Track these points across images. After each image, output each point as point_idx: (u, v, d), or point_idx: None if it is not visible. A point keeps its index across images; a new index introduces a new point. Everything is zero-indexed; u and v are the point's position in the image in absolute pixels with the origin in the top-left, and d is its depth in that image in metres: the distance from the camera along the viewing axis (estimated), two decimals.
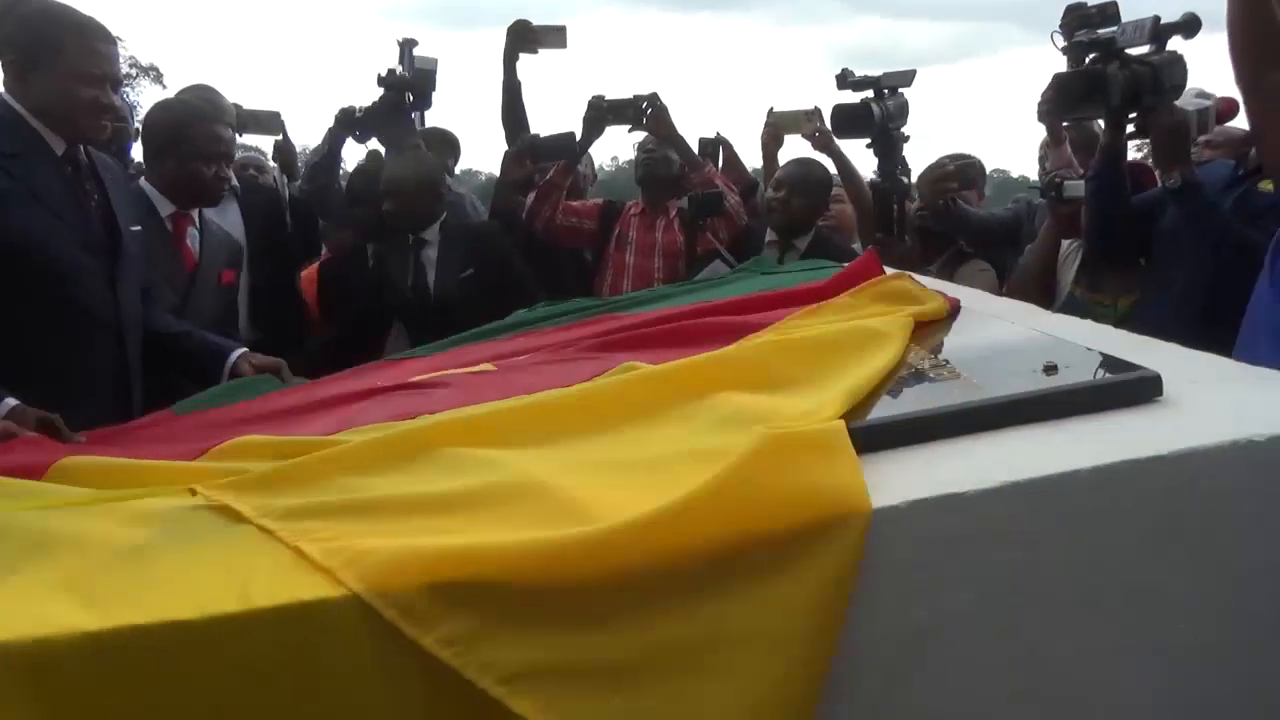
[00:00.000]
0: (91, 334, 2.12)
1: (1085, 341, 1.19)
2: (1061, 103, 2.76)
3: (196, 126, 2.63)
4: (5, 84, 2.11)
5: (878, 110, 3.13)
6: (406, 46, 4.56)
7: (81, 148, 2.18)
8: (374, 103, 3.54)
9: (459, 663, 0.76)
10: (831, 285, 1.93)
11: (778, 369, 1.25)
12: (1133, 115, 2.59)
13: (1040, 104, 3.09)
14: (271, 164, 4.06)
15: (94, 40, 2.09)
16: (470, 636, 0.77)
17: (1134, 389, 0.96)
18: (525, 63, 3.86)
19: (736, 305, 1.99)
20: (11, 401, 1.83)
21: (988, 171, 4.26)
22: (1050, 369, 1.04)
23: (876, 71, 3.23)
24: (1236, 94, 2.31)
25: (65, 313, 2.07)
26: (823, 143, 3.53)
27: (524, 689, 0.76)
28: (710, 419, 1.12)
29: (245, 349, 2.28)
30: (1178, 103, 2.57)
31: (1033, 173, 3.83)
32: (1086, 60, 2.60)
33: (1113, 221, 2.71)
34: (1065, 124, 3.35)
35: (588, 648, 0.79)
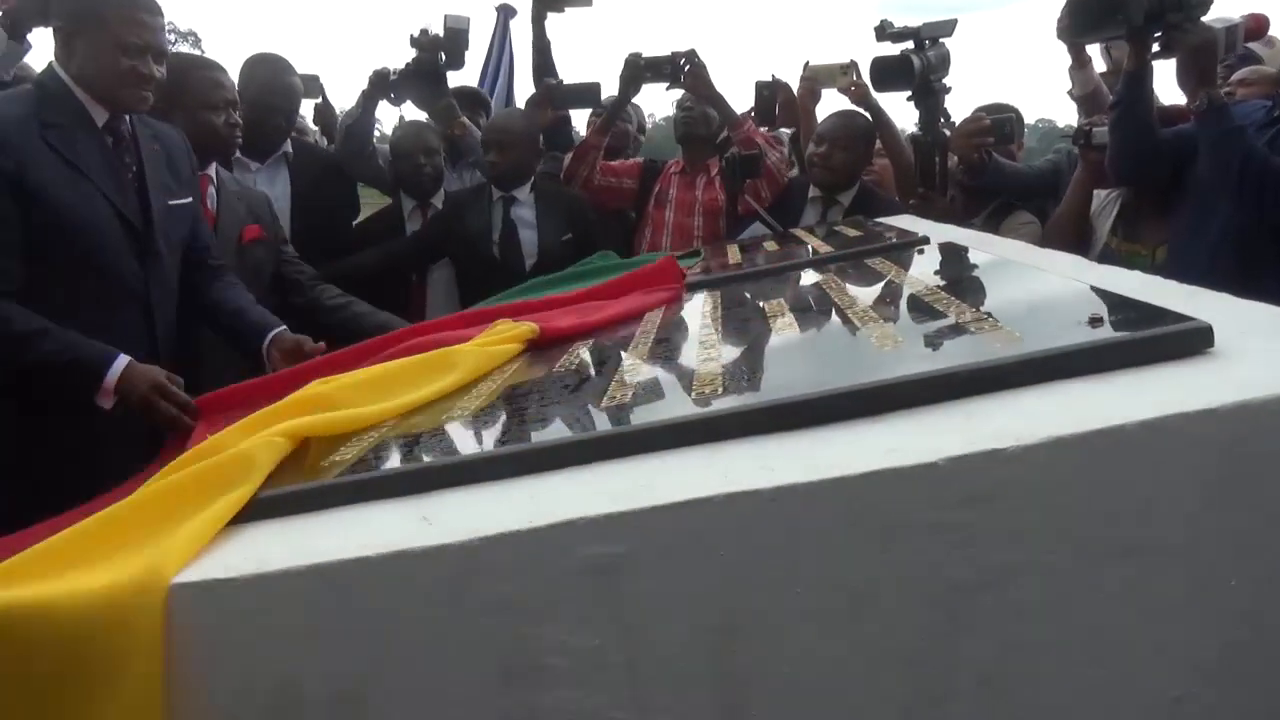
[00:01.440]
0: (119, 304, 2.15)
1: (1132, 292, 1.16)
2: (1079, 23, 2.63)
3: (194, 75, 2.61)
4: (55, 52, 2.15)
5: (918, 62, 3.05)
6: (503, 12, 4.59)
7: (128, 119, 2.19)
8: (407, 64, 3.53)
9: None
10: (617, 285, 2.10)
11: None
12: (1157, 35, 2.47)
13: (1059, 22, 2.98)
14: (313, 126, 4.09)
15: (136, 10, 2.10)
16: None
17: (1184, 340, 0.93)
18: (560, 21, 3.84)
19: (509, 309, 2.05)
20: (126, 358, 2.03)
21: (1033, 121, 4.16)
22: (1096, 321, 1.02)
23: (917, 21, 3.16)
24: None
25: (93, 280, 2.11)
26: (859, 96, 3.46)
27: None
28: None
29: (280, 329, 2.31)
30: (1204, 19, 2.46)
31: (1077, 122, 3.71)
32: None
33: (1138, 152, 2.60)
34: (1108, 46, 3.22)
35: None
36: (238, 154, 3.13)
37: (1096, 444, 0.79)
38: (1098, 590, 0.80)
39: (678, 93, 3.64)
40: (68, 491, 1.66)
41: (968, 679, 0.82)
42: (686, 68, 3.46)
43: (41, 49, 3.08)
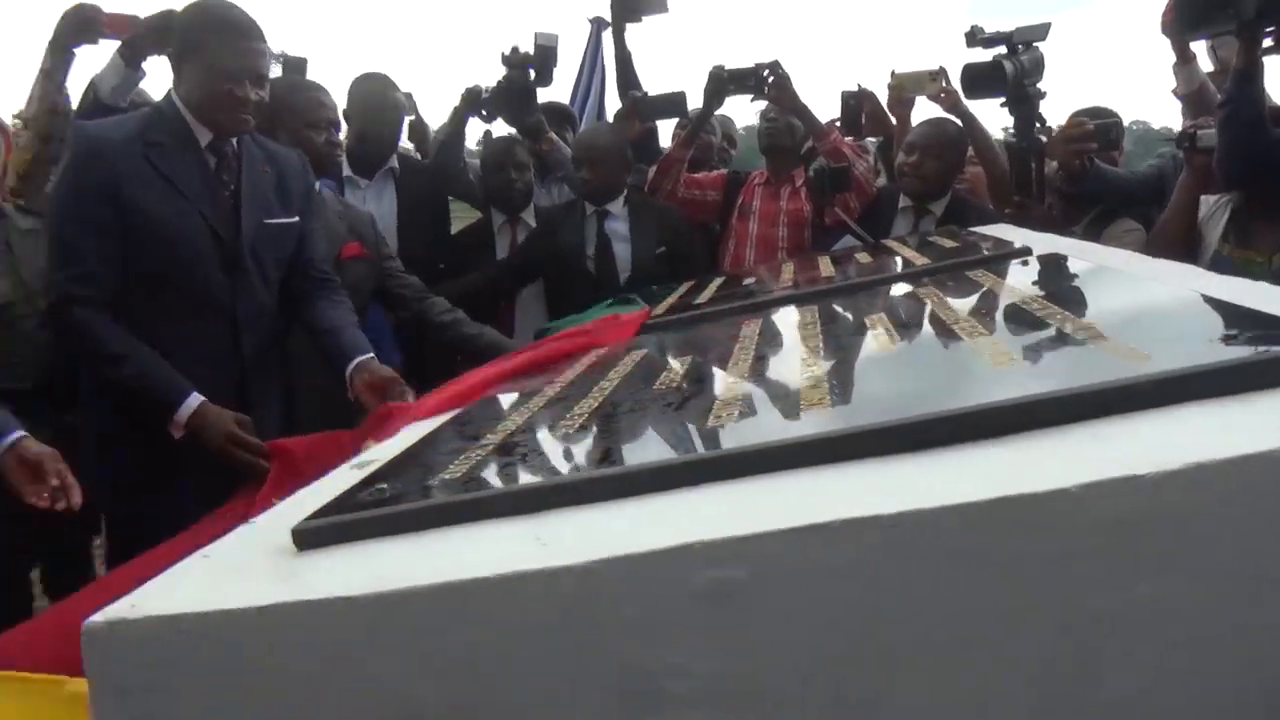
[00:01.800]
0: (204, 315, 2.24)
1: (1260, 305, 1.11)
2: (1186, 17, 2.54)
3: (297, 95, 2.74)
4: (172, 78, 2.29)
5: (1010, 68, 2.98)
6: (596, 24, 4.69)
7: (235, 140, 2.28)
8: (499, 81, 3.59)
9: None
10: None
11: None
12: (1269, 29, 2.37)
13: (1164, 16, 2.87)
14: (407, 143, 4.19)
15: (234, 36, 2.19)
16: None
17: None
18: (645, 32, 3.88)
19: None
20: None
21: (1127, 123, 4.02)
22: (1230, 337, 0.97)
23: (1008, 25, 3.09)
24: None
25: (181, 290, 2.21)
26: (950, 103, 3.40)
27: None
28: None
29: (364, 358, 2.28)
30: None
31: (1175, 123, 3.58)
32: None
33: (1250, 154, 2.50)
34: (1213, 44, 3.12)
35: None
36: (348, 172, 3.22)
37: (1244, 470, 0.75)
38: (1248, 626, 0.77)
39: (762, 104, 3.63)
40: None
41: (1105, 716, 0.79)
42: (770, 79, 3.44)
43: (156, 77, 3.23)
